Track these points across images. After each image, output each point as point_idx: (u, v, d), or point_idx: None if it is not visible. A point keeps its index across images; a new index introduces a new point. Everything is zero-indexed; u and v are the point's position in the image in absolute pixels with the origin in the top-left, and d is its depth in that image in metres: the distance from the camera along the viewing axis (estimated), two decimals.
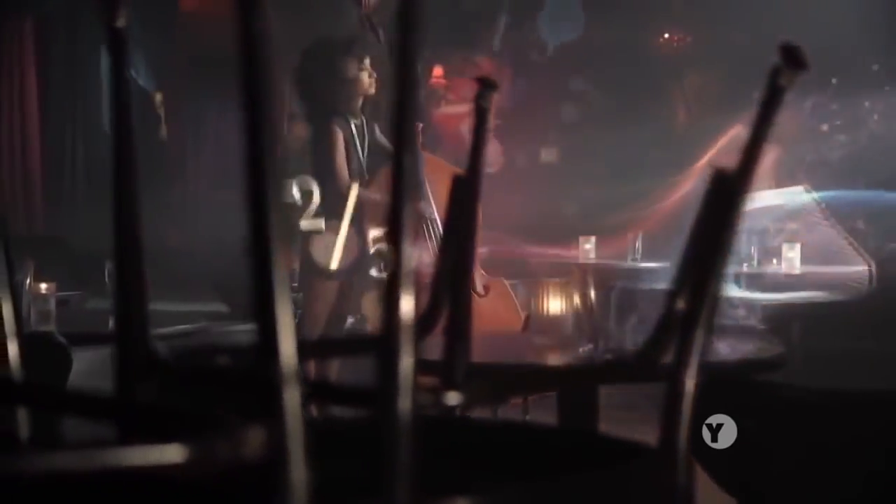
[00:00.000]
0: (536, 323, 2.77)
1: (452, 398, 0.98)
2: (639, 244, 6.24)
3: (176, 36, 8.14)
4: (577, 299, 2.56)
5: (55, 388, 0.97)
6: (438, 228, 5.24)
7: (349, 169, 5.11)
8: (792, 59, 1.17)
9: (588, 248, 6.30)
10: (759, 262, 6.16)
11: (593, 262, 6.24)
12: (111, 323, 3.58)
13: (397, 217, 0.94)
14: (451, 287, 1.36)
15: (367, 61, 5.14)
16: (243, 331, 5.77)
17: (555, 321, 2.70)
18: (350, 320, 5.39)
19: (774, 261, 6.20)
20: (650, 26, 8.22)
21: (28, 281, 3.07)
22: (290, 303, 0.79)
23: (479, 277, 5.24)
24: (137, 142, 1.18)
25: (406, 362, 0.91)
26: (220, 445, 0.76)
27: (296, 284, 5.34)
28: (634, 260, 6.23)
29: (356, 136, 5.13)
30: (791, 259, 5.96)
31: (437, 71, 8.72)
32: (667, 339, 1.14)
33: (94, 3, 1.14)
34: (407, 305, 0.93)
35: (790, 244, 5.99)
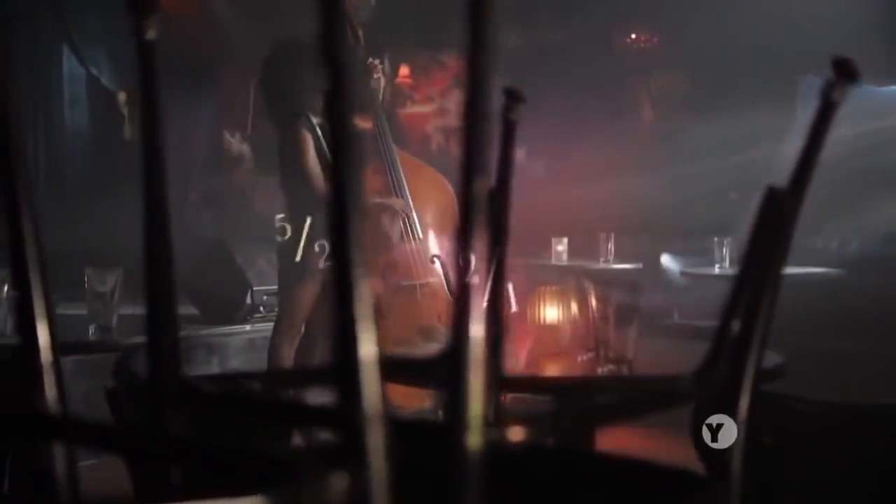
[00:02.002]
0: (531, 330, 2.73)
1: (516, 434, 0.94)
2: (611, 245, 6.21)
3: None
4: (574, 306, 2.53)
5: (99, 425, 0.92)
6: (417, 227, 5.19)
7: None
8: (844, 72, 1.13)
9: (560, 249, 6.26)
10: (731, 263, 6.16)
11: (565, 263, 6.22)
12: (91, 331, 3.46)
13: (465, 244, 0.90)
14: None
15: None
16: (219, 334, 5.69)
17: (551, 329, 2.66)
18: None
19: None
20: (617, 27, 8.22)
21: (5, 287, 2.97)
22: (374, 339, 0.75)
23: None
24: (166, 159, 1.13)
25: (476, 399, 0.87)
26: (304, 495, 0.71)
27: (274, 288, 5.27)
28: (607, 261, 6.21)
29: (322, 137, 5.06)
30: None
31: (404, 70, 8.67)
32: (720, 359, 1.11)
33: (125, 15, 1.09)
34: (476, 335, 0.89)
35: None
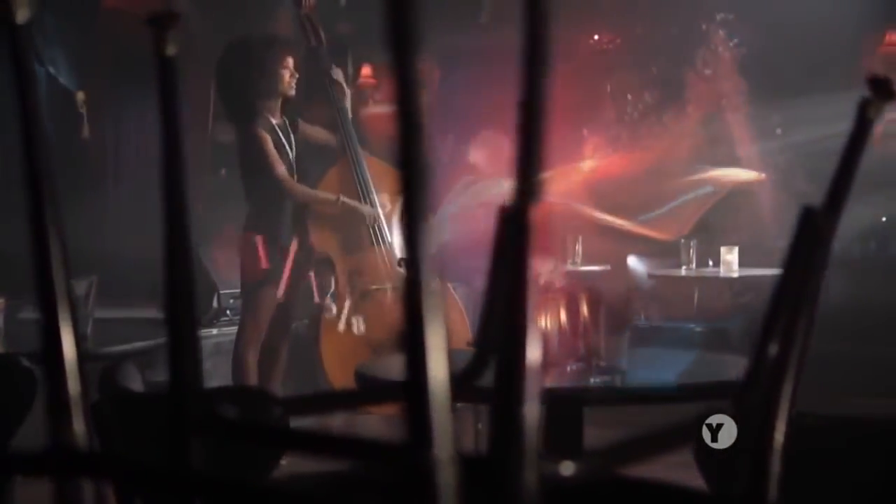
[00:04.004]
0: None
1: (567, 468, 0.91)
2: (579, 247, 6.22)
3: (98, 34, 7.93)
4: (563, 315, 2.50)
5: (133, 461, 0.88)
6: (385, 230, 5.17)
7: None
8: (881, 90, 1.11)
9: None
10: (698, 265, 6.18)
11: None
12: None
13: (521, 264, 0.87)
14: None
15: (289, 60, 5.01)
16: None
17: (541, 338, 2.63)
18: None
19: (710, 262, 6.23)
20: (581, 28, 8.21)
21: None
22: (447, 373, 0.71)
23: None
24: (186, 180, 1.08)
25: (530, 433, 0.84)
26: None
27: (237, 292, 5.22)
28: (574, 263, 6.21)
29: (281, 135, 5.02)
30: (729, 262, 5.98)
31: (366, 70, 8.62)
32: (758, 383, 1.08)
33: (148, 32, 1.04)
34: (532, 361, 0.86)
35: (728, 247, 6.01)
